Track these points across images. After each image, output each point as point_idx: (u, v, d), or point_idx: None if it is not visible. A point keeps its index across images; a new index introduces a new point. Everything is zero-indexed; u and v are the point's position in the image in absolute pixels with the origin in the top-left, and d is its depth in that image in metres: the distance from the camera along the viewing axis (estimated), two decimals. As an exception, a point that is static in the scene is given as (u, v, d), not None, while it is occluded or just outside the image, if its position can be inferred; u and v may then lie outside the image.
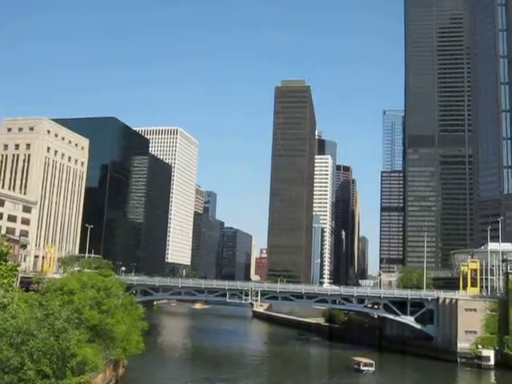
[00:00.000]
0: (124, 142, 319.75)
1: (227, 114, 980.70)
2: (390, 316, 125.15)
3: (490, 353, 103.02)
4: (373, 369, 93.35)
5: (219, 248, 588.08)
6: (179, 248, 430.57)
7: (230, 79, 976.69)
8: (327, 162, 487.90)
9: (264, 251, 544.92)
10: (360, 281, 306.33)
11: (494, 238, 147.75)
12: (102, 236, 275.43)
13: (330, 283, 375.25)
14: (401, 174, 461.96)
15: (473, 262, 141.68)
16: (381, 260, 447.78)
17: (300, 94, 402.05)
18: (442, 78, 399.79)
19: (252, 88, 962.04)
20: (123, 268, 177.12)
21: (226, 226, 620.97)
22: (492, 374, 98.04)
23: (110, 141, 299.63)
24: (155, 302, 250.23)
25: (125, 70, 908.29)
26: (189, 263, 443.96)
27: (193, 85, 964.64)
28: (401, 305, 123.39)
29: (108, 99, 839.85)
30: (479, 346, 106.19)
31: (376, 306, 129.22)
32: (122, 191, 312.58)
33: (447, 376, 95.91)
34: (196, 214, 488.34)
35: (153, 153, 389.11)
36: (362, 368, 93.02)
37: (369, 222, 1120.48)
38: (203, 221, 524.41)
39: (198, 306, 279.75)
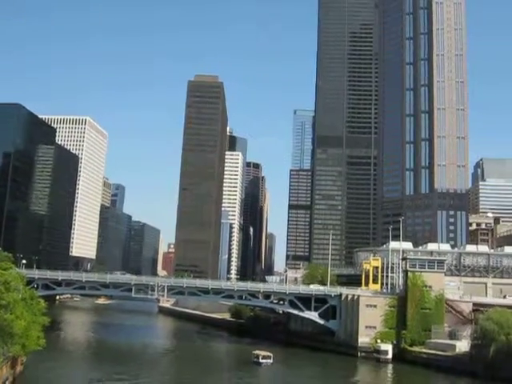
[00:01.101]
0: (29, 131, 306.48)
1: (141, 108, 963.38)
2: (295, 311, 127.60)
3: (388, 347, 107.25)
4: (271, 361, 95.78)
5: (126, 242, 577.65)
6: (84, 241, 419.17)
7: (145, 73, 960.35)
8: (237, 159, 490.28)
9: (172, 246, 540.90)
10: (267, 277, 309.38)
11: (395, 237, 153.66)
12: (1, 227, 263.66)
13: (237, 279, 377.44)
14: (309, 173, 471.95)
15: (375, 259, 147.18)
16: (287, 256, 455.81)
17: (213, 89, 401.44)
18: (352, 81, 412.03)
19: (166, 83, 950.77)
20: (24, 261, 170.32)
21: (134, 219, 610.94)
22: (390, 366, 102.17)
23: (13, 128, 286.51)
24: (58, 297, 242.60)
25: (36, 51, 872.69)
26: (94, 257, 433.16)
27: (106, 75, 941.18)
28: (305, 301, 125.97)
29: (13, 85, 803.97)
30: (378, 341, 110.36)
31: (282, 302, 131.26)
32: (25, 181, 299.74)
33: (347, 369, 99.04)
34: (103, 207, 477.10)
35: (59, 142, 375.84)
36: (260, 361, 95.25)
37: (277, 219, 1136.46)
38: (110, 214, 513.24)
39: (101, 300, 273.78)
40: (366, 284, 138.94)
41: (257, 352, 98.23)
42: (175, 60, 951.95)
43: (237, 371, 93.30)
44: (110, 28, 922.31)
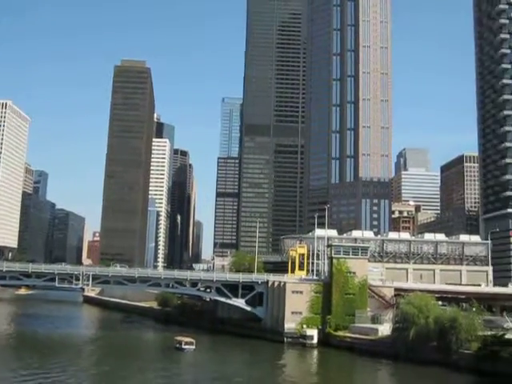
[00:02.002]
0: None
1: (65, 91, 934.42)
2: (222, 299, 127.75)
3: (313, 332, 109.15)
4: (193, 347, 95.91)
5: (49, 230, 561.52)
6: (4, 229, 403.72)
7: (70, 52, 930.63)
8: (165, 146, 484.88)
9: (97, 234, 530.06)
10: (194, 265, 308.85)
11: (321, 225, 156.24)
12: None
13: (165, 267, 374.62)
14: (237, 161, 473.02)
15: (301, 247, 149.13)
16: (215, 244, 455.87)
17: (140, 74, 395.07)
18: (280, 70, 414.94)
19: (92, 66, 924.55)
20: None
21: (58, 207, 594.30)
22: (315, 351, 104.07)
23: None
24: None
25: None
26: (15, 246, 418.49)
27: (29, 56, 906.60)
28: (233, 288, 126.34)
29: None
30: (304, 326, 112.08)
31: (209, 290, 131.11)
32: None
33: (273, 354, 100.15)
34: (25, 194, 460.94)
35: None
36: (183, 347, 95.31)
37: (205, 207, 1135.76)
38: (32, 201, 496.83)
39: (22, 291, 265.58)
40: (293, 271, 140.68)
41: (179, 338, 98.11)
42: (103, 45, 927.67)
43: (158, 357, 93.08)
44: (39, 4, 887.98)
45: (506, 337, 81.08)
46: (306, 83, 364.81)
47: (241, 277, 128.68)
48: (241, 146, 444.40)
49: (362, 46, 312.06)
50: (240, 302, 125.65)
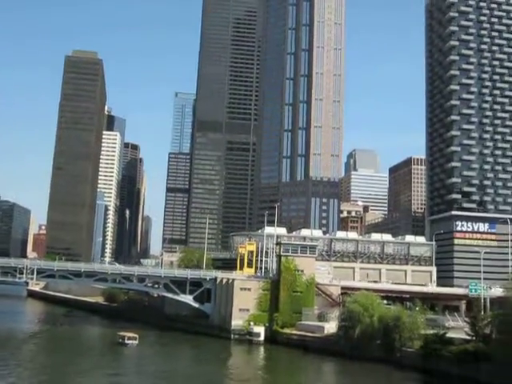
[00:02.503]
0: None
1: (16, 84, 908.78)
2: (170, 295, 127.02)
3: (260, 329, 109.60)
4: (136, 342, 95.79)
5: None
6: None
7: (20, 50, 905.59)
8: (115, 139, 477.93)
9: (43, 227, 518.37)
10: (142, 260, 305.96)
11: (271, 223, 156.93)
12: None
13: (112, 262, 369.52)
14: (188, 157, 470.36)
15: (250, 244, 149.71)
16: (164, 240, 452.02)
17: (91, 66, 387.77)
18: (234, 67, 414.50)
19: (43, 59, 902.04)
20: None
21: (2, 199, 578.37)
22: (262, 348, 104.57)
23: None
24: None
25: None
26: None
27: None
28: (181, 284, 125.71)
29: None
30: (251, 323, 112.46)
31: (157, 285, 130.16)
32: None
33: (219, 351, 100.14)
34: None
35: None
36: (126, 342, 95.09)
37: (154, 202, 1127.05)
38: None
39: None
40: (241, 268, 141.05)
41: (122, 333, 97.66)
42: (55, 35, 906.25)
43: (101, 352, 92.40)
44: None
45: (447, 336, 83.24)
46: (259, 81, 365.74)
47: (189, 273, 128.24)
48: (192, 141, 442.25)
49: (317, 47, 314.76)
50: (188, 299, 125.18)
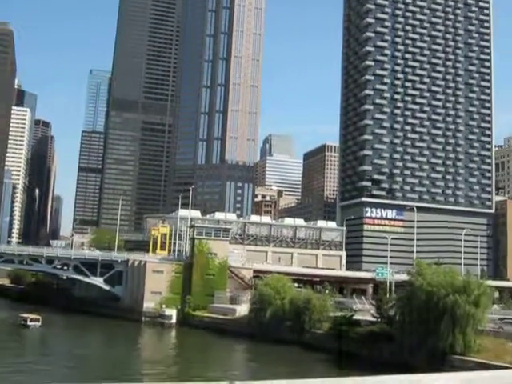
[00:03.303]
0: None
1: None
2: (80, 277, 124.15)
3: (172, 312, 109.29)
4: (39, 323, 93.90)
5: None
6: None
7: None
8: (25, 115, 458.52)
9: None
10: (51, 241, 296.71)
11: (185, 206, 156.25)
12: None
13: (20, 243, 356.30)
14: (102, 136, 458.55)
15: (163, 226, 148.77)
16: (75, 221, 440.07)
17: (1, 37, 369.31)
18: (152, 46, 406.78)
19: None
20: None
21: None
22: (173, 331, 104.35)
23: None
24: None
25: None
26: None
27: None
28: (91, 266, 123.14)
29: None
30: (163, 306, 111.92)
31: (66, 267, 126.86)
32: None
33: (130, 333, 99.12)
34: None
35: None
36: (28, 323, 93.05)
37: (66, 182, 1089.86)
38: None
39: None
40: (154, 250, 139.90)
41: (24, 315, 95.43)
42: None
43: (3, 334, 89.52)
44: None
45: (354, 317, 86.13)
46: (177, 61, 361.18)
47: (100, 255, 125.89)
48: (107, 120, 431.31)
49: (236, 31, 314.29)
50: (98, 281, 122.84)
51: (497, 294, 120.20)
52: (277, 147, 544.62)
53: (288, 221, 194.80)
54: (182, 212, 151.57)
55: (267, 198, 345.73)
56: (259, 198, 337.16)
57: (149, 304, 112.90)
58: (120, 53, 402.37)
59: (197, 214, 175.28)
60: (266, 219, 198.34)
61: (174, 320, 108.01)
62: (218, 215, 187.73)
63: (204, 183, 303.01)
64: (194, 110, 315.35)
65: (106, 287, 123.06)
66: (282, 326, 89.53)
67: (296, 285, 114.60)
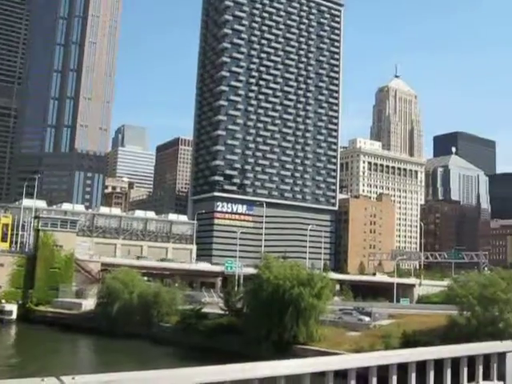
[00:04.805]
0: None
1: None
2: None
3: (13, 307, 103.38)
4: None
5: None
6: None
7: None
8: None
9: None
10: None
11: (31, 195, 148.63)
12: None
13: None
14: None
15: (5, 217, 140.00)
16: None
17: None
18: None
19: None
20: None
21: None
22: (13, 326, 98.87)
23: None
24: None
25: None
26: None
27: None
28: None
29: None
30: (3, 301, 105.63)
31: None
32: None
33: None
34: None
35: None
36: None
37: None
38: None
39: None
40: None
41: None
42: None
43: None
44: None
45: (203, 311, 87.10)
46: (27, 42, 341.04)
47: None
48: None
49: (91, 15, 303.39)
50: None
51: (338, 287, 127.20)
52: (130, 138, 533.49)
53: (139, 213, 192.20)
54: (27, 202, 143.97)
55: (118, 190, 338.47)
56: (109, 190, 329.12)
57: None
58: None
59: (42, 204, 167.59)
60: (116, 211, 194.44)
61: (14, 316, 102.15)
62: (66, 206, 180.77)
63: (51, 172, 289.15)
64: (43, 95, 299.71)
65: None
66: (131, 320, 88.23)
67: (145, 278, 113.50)
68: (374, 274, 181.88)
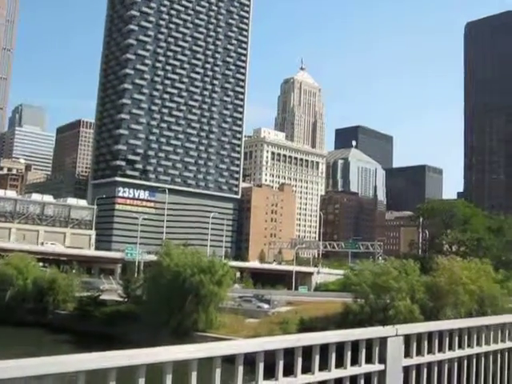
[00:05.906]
0: None
1: None
2: None
3: None
4: None
5: None
6: None
7: None
8: None
9: None
10: None
11: None
12: None
13: None
14: None
15: None
16: None
17: None
18: None
19: None
20: None
21: None
22: None
23: None
24: None
25: None
26: None
27: None
28: None
29: None
30: None
31: None
32: None
33: None
34: None
35: None
36: None
37: None
38: None
39: None
40: None
41: None
42: None
43: None
44: None
45: (101, 298, 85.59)
46: None
47: None
48: None
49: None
50: None
51: (238, 274, 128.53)
52: (28, 118, 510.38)
53: (35, 197, 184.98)
54: None
55: (13, 172, 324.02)
56: (4, 171, 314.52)
57: None
58: None
59: None
60: (12, 194, 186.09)
61: None
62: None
63: None
64: None
65: None
66: (24, 307, 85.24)
67: (41, 264, 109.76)
68: (273, 262, 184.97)
